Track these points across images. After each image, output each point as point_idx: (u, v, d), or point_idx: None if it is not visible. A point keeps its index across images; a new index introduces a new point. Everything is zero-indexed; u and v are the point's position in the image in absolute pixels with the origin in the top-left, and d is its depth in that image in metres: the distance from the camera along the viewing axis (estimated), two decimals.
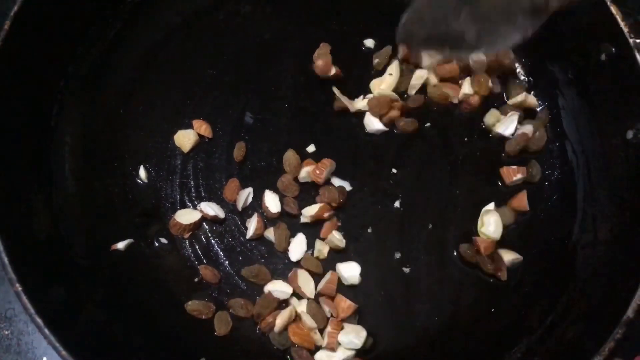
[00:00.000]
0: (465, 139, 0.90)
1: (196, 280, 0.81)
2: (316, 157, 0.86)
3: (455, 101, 0.91)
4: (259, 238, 0.84)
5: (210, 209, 0.83)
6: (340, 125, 0.90)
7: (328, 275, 0.80)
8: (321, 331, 0.78)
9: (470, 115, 0.91)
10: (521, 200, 0.85)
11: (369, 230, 0.84)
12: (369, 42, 0.95)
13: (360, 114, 0.90)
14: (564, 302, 0.79)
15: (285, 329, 0.78)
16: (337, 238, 0.82)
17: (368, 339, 0.77)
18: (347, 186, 0.86)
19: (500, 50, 0.87)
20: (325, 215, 0.83)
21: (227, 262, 0.83)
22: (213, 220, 0.84)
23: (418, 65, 0.92)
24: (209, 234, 0.84)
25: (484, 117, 0.90)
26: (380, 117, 0.88)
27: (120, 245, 0.81)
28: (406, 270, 0.82)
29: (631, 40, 0.76)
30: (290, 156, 0.85)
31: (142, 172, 0.86)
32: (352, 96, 0.91)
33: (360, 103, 0.90)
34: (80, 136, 0.86)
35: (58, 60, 0.85)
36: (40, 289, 0.68)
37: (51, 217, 0.79)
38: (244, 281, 0.82)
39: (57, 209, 0.80)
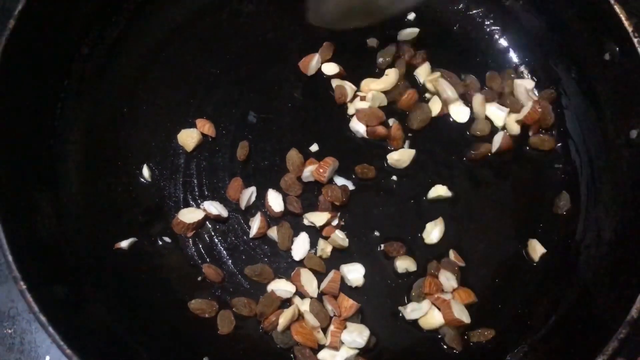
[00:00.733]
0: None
1: (199, 279, 0.81)
2: (319, 156, 0.86)
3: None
4: (262, 237, 0.84)
5: (214, 208, 0.83)
6: (343, 124, 0.90)
7: (331, 275, 0.80)
8: (324, 330, 0.78)
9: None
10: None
11: (376, 234, 0.84)
12: (372, 42, 0.95)
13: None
14: (567, 302, 0.79)
15: (288, 327, 0.78)
16: (340, 237, 0.82)
17: (371, 338, 0.77)
18: (350, 185, 0.86)
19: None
20: (332, 222, 0.83)
21: (230, 261, 0.83)
22: (216, 219, 0.84)
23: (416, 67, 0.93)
24: (212, 233, 0.84)
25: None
26: (367, 126, 0.88)
27: (124, 244, 0.81)
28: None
29: (635, 40, 0.76)
30: (293, 155, 0.85)
31: (146, 171, 0.86)
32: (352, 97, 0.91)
33: (352, 109, 0.90)
34: (84, 135, 0.86)
35: (62, 60, 0.85)
36: (44, 287, 0.68)
37: (55, 216, 0.79)
38: (247, 280, 0.82)
39: (61, 208, 0.80)
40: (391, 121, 0.89)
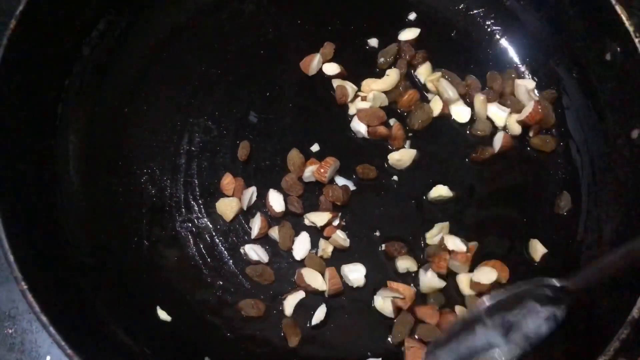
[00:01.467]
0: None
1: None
2: (320, 157, 0.86)
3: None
4: (263, 237, 0.84)
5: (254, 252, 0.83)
6: (344, 124, 0.90)
7: (327, 274, 0.80)
8: None
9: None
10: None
11: (377, 234, 0.84)
12: (373, 42, 0.95)
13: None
14: (568, 302, 0.79)
15: None
16: (341, 237, 0.82)
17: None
18: (351, 186, 0.86)
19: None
20: (333, 222, 0.83)
21: (231, 261, 0.83)
22: None
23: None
24: (213, 233, 0.84)
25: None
26: (368, 126, 0.88)
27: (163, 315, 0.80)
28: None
29: (636, 40, 0.76)
30: (294, 155, 0.85)
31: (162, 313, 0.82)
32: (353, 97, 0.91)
33: (353, 109, 0.90)
34: (85, 135, 0.86)
35: (63, 60, 0.85)
36: (45, 287, 0.68)
37: (56, 216, 0.79)
38: (248, 280, 0.82)
39: (62, 208, 0.80)
40: (392, 121, 0.89)
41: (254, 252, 0.82)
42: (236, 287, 0.82)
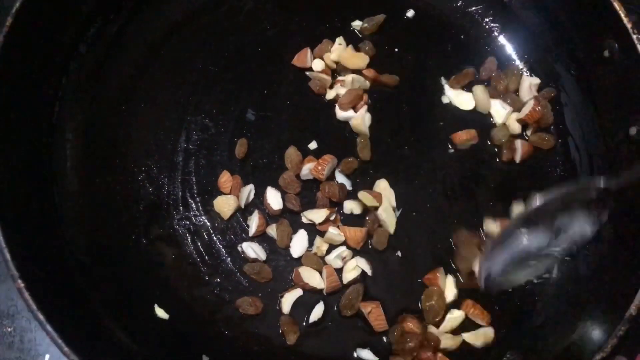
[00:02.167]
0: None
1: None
2: (318, 154, 0.86)
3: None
4: (261, 235, 0.84)
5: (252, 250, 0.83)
6: (343, 122, 0.90)
7: (325, 272, 0.80)
8: None
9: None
10: None
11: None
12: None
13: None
14: (566, 299, 0.79)
15: None
16: (334, 233, 0.82)
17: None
18: (348, 185, 0.86)
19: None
20: (330, 218, 0.83)
21: (228, 259, 0.83)
22: None
23: None
24: (211, 231, 0.84)
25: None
26: (353, 109, 0.89)
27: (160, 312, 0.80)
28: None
29: (634, 37, 0.76)
30: (291, 153, 0.85)
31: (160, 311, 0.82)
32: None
33: (333, 93, 0.90)
34: (82, 133, 0.86)
35: (60, 57, 0.85)
36: (42, 285, 0.67)
37: (53, 214, 0.79)
38: (245, 278, 0.82)
39: (59, 206, 0.80)
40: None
41: (252, 249, 0.82)
42: (234, 284, 0.82)
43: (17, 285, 0.65)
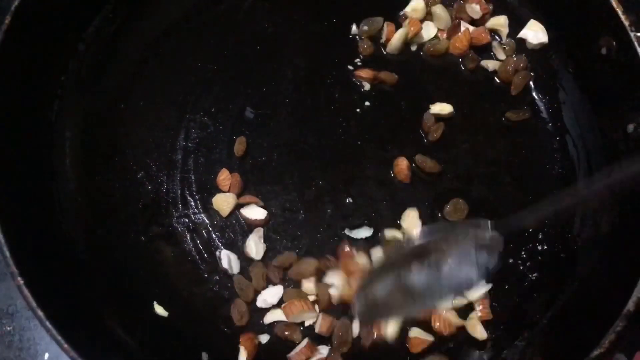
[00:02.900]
0: None
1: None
2: (314, 154, 0.86)
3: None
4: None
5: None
6: (342, 121, 0.90)
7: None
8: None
9: None
10: None
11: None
12: None
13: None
14: (565, 295, 0.79)
15: None
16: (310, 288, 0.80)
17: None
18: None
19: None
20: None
21: None
22: None
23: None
24: (210, 229, 0.84)
25: None
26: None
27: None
28: None
29: (632, 34, 0.76)
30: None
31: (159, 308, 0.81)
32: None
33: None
34: (81, 131, 0.86)
35: (59, 56, 0.85)
36: (42, 282, 0.67)
37: (52, 212, 0.79)
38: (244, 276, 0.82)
39: (58, 204, 0.80)
40: None
41: (227, 258, 0.81)
42: (233, 282, 0.82)
43: (16, 282, 0.65)
